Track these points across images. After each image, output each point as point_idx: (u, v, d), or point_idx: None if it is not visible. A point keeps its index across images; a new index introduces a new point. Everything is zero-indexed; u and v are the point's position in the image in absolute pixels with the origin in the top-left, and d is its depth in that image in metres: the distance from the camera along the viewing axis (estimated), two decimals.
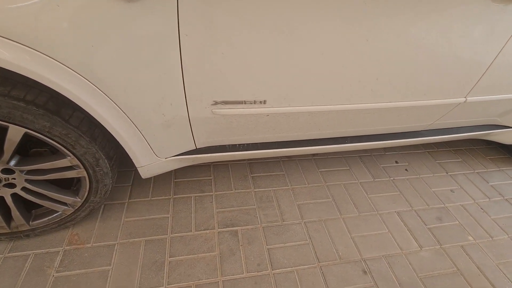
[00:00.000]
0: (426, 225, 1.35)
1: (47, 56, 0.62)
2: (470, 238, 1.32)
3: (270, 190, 1.41)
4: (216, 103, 0.87)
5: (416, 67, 0.93)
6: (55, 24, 0.60)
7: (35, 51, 0.61)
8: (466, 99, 1.11)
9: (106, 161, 0.93)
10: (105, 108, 0.76)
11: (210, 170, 1.47)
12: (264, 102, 0.91)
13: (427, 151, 1.82)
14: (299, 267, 1.11)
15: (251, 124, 0.99)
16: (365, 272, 1.12)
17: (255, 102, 0.89)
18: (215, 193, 1.36)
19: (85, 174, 0.94)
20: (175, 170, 1.43)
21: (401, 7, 0.78)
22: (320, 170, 1.56)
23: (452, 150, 1.86)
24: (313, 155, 1.66)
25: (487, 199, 1.53)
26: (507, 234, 1.36)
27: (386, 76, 0.92)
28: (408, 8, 0.79)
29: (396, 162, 1.70)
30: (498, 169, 1.75)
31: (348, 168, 1.61)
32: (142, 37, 0.67)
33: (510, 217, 1.44)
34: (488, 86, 1.08)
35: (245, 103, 0.89)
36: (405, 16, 0.80)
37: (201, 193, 1.35)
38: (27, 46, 0.60)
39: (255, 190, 1.40)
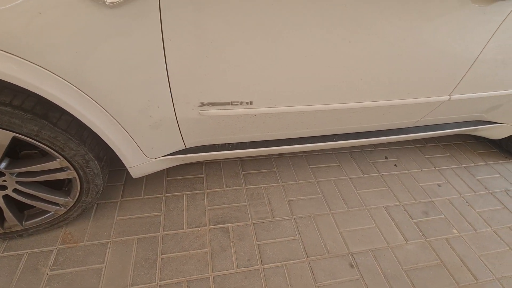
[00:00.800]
0: (412, 219, 1.39)
1: (32, 62, 0.63)
2: (454, 231, 1.36)
3: (261, 187, 1.44)
4: (203, 104, 0.89)
5: (399, 67, 0.94)
6: (38, 31, 0.60)
7: (19, 58, 0.62)
8: (450, 97, 1.14)
9: (96, 162, 0.94)
10: (93, 112, 0.77)
11: (202, 168, 1.49)
12: (251, 103, 0.92)
13: (416, 146, 1.85)
14: (288, 261, 1.15)
15: (239, 124, 1.00)
16: (352, 266, 1.16)
17: (241, 103, 0.91)
18: (207, 190, 1.38)
19: (75, 175, 0.95)
20: (167, 168, 1.45)
21: (381, 9, 0.79)
22: (310, 166, 1.59)
23: (441, 145, 1.89)
24: (304, 152, 1.68)
25: (473, 193, 1.57)
26: (490, 227, 1.40)
27: (370, 76, 0.94)
28: (389, 10, 0.80)
29: (386, 157, 1.73)
30: (485, 163, 1.79)
31: (339, 164, 1.64)
32: (126, 42, 0.68)
33: (494, 210, 1.49)
34: (471, 84, 1.11)
35: (231, 104, 0.91)
36: (386, 18, 0.81)
37: (193, 191, 1.37)
38: (10, 54, 0.61)
39: (247, 187, 1.43)
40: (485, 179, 1.67)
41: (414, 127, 1.39)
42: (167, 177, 1.42)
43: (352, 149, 1.75)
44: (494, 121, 1.54)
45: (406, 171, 1.65)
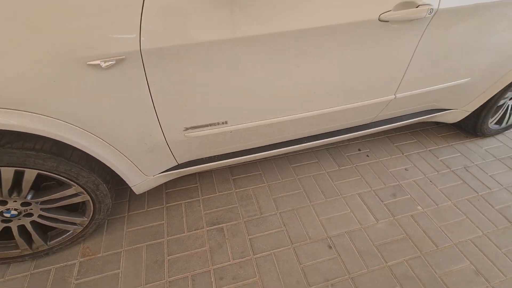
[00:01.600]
0: (382, 201, 1.60)
1: (51, 117, 0.83)
2: (419, 208, 1.57)
3: (249, 189, 1.64)
4: (186, 128, 1.09)
5: (344, 79, 1.15)
6: (53, 94, 0.80)
7: (41, 115, 0.81)
8: (396, 96, 1.35)
9: (104, 185, 1.14)
10: (99, 146, 0.97)
11: (196, 178, 1.69)
12: (226, 122, 1.12)
13: (387, 136, 2.06)
14: (276, 250, 1.35)
15: (219, 140, 1.20)
16: (330, 247, 1.37)
17: (218, 123, 1.11)
18: (202, 197, 1.58)
19: (88, 198, 1.15)
20: (165, 182, 1.64)
21: (324, 40, 1.00)
22: (292, 165, 1.80)
23: (409, 132, 2.11)
24: (285, 153, 1.88)
25: (436, 173, 1.78)
26: (450, 201, 1.61)
27: (320, 89, 1.14)
28: (329, 40, 1.01)
29: (359, 149, 1.94)
30: (448, 144, 2.01)
31: (317, 160, 1.84)
32: (120, 91, 0.88)
33: (454, 186, 1.70)
34: (410, 83, 1.32)
35: (210, 126, 1.11)
36: (326, 45, 1.02)
37: (190, 199, 1.57)
38: (33, 113, 0.80)
39: (236, 190, 1.63)
40: (447, 159, 1.88)
41: (374, 122, 1.60)
42: (166, 190, 1.61)
43: (328, 146, 1.96)
44: (446, 108, 1.75)
45: (377, 160, 1.86)
